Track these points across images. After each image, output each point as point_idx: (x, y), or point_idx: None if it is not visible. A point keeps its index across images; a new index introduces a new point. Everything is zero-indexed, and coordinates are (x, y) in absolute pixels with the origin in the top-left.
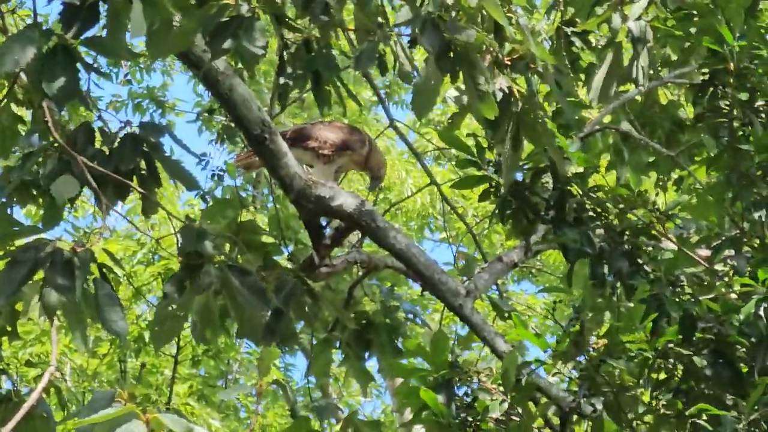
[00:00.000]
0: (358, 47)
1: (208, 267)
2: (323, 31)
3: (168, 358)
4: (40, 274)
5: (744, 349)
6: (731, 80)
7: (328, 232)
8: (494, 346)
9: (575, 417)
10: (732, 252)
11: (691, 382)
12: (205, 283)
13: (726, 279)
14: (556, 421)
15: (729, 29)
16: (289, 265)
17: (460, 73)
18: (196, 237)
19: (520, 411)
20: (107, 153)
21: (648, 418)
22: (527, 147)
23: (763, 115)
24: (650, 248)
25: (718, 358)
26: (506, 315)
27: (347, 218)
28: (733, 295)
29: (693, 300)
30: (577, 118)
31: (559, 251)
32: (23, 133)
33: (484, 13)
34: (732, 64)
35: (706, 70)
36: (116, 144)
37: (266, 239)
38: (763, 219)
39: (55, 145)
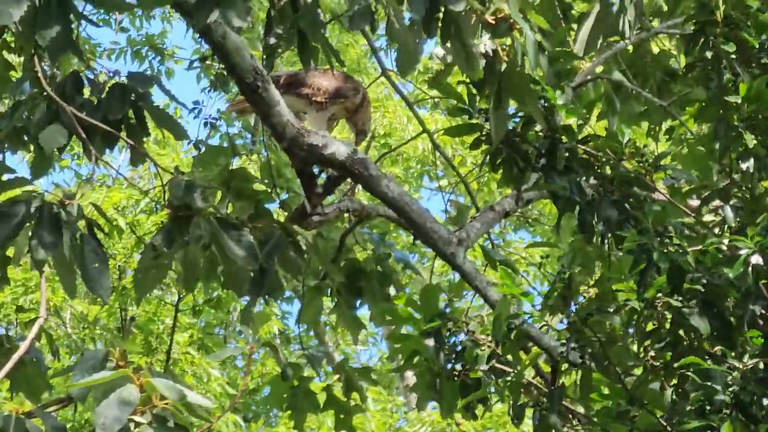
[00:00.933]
0: (351, 4)
1: (198, 219)
2: None
3: (169, 307)
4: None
5: (733, 300)
6: (718, 31)
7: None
8: (486, 296)
9: (565, 366)
10: (720, 203)
11: (679, 333)
12: (195, 235)
13: (716, 230)
14: (547, 369)
15: None
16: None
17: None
18: (184, 189)
19: (510, 359)
20: (95, 102)
21: (637, 370)
22: None
23: (753, 66)
24: (641, 198)
25: (707, 308)
26: (498, 265)
27: (339, 166)
28: (723, 247)
29: (681, 251)
30: (569, 67)
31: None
32: (14, 81)
33: None
34: (719, 15)
35: (695, 21)
36: (104, 94)
37: (258, 187)
38: (751, 169)
39: (44, 93)
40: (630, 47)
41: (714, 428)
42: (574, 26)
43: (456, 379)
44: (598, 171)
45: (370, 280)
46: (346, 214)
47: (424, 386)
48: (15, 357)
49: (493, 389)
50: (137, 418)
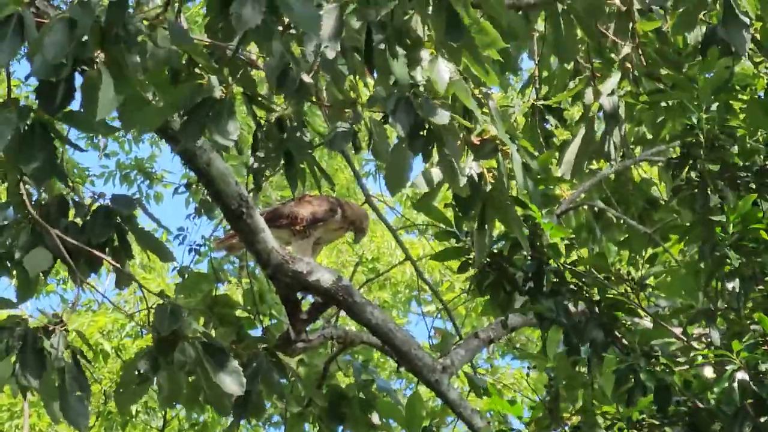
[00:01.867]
0: (332, 126)
1: (183, 345)
2: (296, 109)
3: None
4: None
5: (720, 424)
6: (703, 152)
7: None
8: (471, 423)
9: None
10: (706, 329)
11: None
12: (179, 361)
13: (701, 357)
14: None
15: (699, 102)
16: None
17: (433, 152)
18: (169, 316)
19: None
20: (80, 225)
21: None
22: None
23: (739, 186)
24: (628, 322)
25: (693, 431)
26: (482, 392)
27: (324, 293)
28: (709, 369)
29: (668, 371)
30: (551, 195)
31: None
32: None
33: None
34: (702, 136)
35: (679, 143)
36: (89, 216)
37: (240, 314)
38: (737, 289)
39: (29, 217)
40: (612, 175)
41: None
42: (556, 154)
43: None
44: (585, 294)
45: (353, 407)
46: (329, 341)
47: None
48: None
49: None
50: None
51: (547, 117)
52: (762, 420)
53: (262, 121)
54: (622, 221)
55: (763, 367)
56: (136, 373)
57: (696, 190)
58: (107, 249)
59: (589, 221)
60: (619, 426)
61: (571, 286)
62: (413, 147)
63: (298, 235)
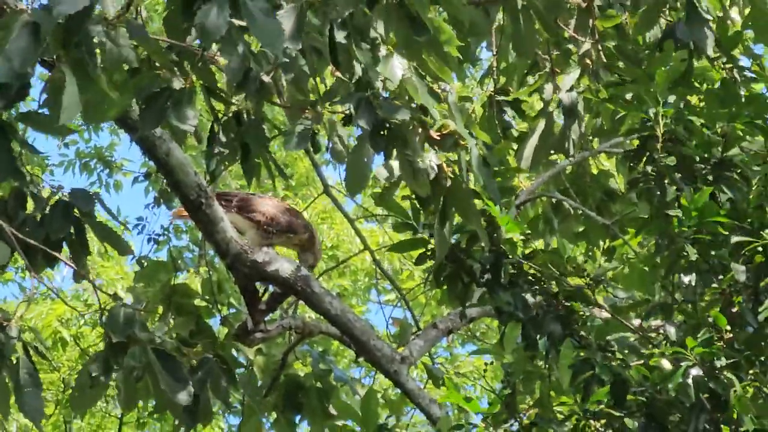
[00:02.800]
0: (291, 125)
1: (134, 349)
2: (256, 105)
3: (114, 420)
4: None
5: (678, 415)
6: (660, 146)
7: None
8: (429, 413)
9: None
10: (662, 322)
11: None
12: (129, 366)
13: (658, 350)
14: None
15: (656, 96)
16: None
17: (393, 150)
18: (123, 322)
19: None
20: (39, 218)
21: None
22: None
23: (697, 180)
24: (586, 314)
25: (651, 423)
26: (441, 383)
27: (283, 283)
28: (666, 362)
29: (624, 365)
30: (509, 186)
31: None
32: None
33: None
34: (659, 130)
35: (636, 137)
36: (47, 210)
37: (199, 303)
38: (693, 284)
39: None
40: (570, 167)
41: None
42: (514, 145)
43: None
44: (543, 286)
45: (310, 397)
46: (288, 331)
47: None
48: None
49: None
50: None
51: (504, 108)
52: (718, 415)
53: (220, 114)
54: (580, 212)
55: (718, 363)
56: (90, 376)
57: (653, 183)
58: (65, 241)
59: (546, 212)
60: (576, 417)
61: (530, 278)
62: (375, 146)
63: (261, 232)
